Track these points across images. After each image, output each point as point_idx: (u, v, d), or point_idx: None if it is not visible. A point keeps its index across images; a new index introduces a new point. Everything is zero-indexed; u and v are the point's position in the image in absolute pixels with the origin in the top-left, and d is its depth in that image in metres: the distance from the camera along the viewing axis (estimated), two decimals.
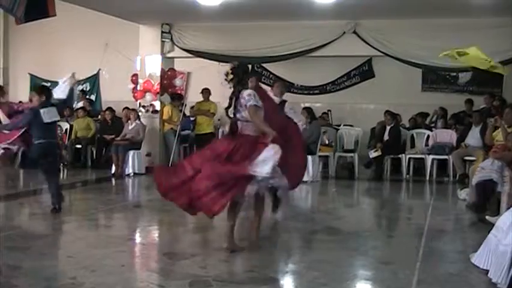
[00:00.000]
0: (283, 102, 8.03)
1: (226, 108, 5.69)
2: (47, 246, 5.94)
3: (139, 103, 13.07)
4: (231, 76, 5.65)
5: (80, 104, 15.03)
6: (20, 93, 16.27)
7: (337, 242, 6.28)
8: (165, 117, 12.83)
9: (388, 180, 11.86)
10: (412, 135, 12.49)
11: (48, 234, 6.66)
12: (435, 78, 14.75)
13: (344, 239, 6.41)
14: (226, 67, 5.78)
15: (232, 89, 5.67)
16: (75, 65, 15.98)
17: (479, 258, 5.01)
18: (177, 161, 5.61)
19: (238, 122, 5.57)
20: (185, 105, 13.11)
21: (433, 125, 13.31)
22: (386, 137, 12.01)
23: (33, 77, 16.84)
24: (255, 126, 5.52)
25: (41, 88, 8.00)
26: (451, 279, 4.89)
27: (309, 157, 10.90)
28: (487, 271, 4.75)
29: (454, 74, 14.30)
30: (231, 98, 5.63)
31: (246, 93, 5.55)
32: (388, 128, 12.05)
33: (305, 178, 10.75)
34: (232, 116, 5.62)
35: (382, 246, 6.31)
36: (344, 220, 7.76)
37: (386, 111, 12.33)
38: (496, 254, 4.67)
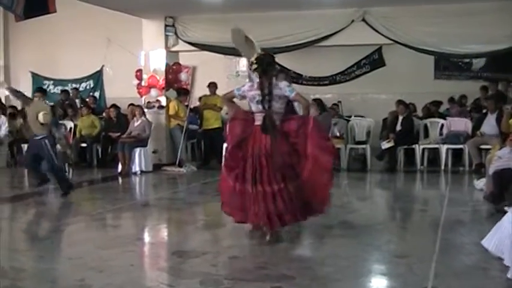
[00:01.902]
0: None
1: (260, 101, 5.72)
2: (53, 248, 5.96)
3: (145, 99, 13.09)
4: (255, 66, 5.73)
5: (77, 101, 15.04)
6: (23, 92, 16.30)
7: (351, 236, 6.26)
8: (171, 112, 12.83)
9: (402, 171, 11.84)
10: (426, 125, 12.45)
11: (54, 236, 6.68)
12: (448, 65, 14.67)
13: (358, 233, 6.40)
14: (240, 60, 5.89)
15: (259, 80, 5.77)
16: (77, 62, 16.00)
17: (488, 241, 4.96)
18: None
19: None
20: (190, 99, 13.08)
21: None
22: (399, 127, 11.98)
23: (34, 75, 16.89)
24: (305, 105, 5.87)
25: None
26: (469, 271, 4.87)
27: None
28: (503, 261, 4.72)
29: (468, 60, 14.22)
30: (261, 89, 5.69)
31: (283, 84, 5.83)
32: (400, 117, 12.01)
33: None
34: (266, 107, 5.69)
35: (397, 239, 6.30)
36: (357, 214, 7.74)
37: (399, 101, 12.29)
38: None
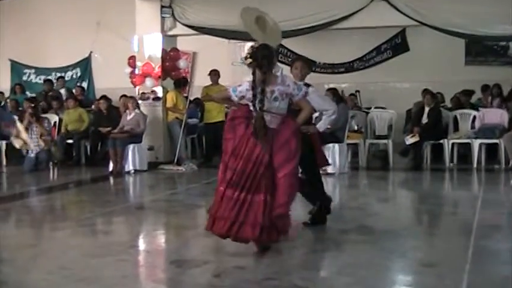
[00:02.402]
0: (307, 86, 7.92)
1: (252, 100, 5.63)
2: (36, 257, 5.95)
3: (139, 90, 13.10)
4: (249, 60, 5.64)
5: (63, 92, 15.07)
6: (1, 82, 16.41)
7: (371, 242, 6.25)
8: (168, 105, 12.84)
9: (429, 169, 11.83)
10: (456, 117, 12.43)
11: (38, 243, 6.69)
12: (481, 49, 14.63)
13: (379, 239, 6.38)
14: (246, 45, 5.77)
15: (252, 76, 5.64)
16: (62, 48, 16.06)
17: None
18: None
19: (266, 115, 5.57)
20: (190, 89, 13.09)
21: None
22: (425, 119, 11.97)
23: (14, 64, 16.96)
24: (304, 117, 5.79)
25: None
26: (506, 283, 4.85)
27: (336, 145, 10.94)
28: None
29: (504, 43, 14.17)
30: (253, 87, 5.58)
31: (290, 80, 5.71)
32: (427, 109, 11.99)
33: (331, 170, 10.84)
34: (258, 108, 5.56)
35: (424, 246, 6.28)
36: (378, 217, 7.72)
37: (425, 90, 12.27)
38: None
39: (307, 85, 8.03)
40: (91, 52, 16.14)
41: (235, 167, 5.56)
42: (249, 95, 5.66)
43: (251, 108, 5.68)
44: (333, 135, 10.99)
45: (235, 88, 5.85)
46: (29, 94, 15.84)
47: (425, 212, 8.38)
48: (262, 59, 5.61)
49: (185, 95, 13.02)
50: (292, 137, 5.63)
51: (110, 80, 14.83)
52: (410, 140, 11.77)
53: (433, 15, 11.78)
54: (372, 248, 5.97)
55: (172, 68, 13.03)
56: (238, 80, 5.79)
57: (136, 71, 12.97)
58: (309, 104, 5.87)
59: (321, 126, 6.66)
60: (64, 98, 14.65)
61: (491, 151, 11.88)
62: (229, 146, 5.70)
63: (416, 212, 8.63)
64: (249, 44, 6.02)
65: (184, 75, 13.26)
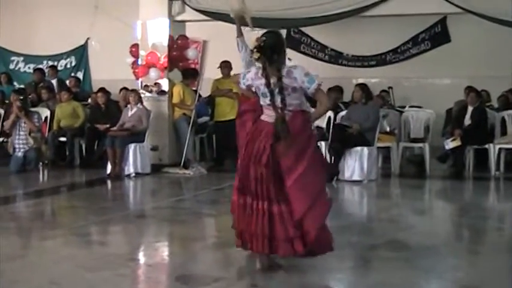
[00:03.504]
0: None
1: (267, 95, 5.59)
2: (24, 270, 5.99)
3: (142, 82, 13.14)
4: (257, 54, 5.57)
5: (54, 83, 15.12)
6: None
7: (404, 260, 6.23)
8: (175, 100, 12.86)
9: (471, 178, 11.79)
10: (503, 118, 12.37)
11: (25, 254, 6.72)
12: None
13: (413, 256, 6.37)
14: (252, 38, 5.68)
15: (262, 71, 5.58)
16: (55, 34, 16.13)
17: None
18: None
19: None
20: (199, 82, 13.10)
21: None
22: (467, 121, 11.93)
23: (0, 50, 17.04)
24: (321, 112, 5.80)
25: None
26: None
27: (365, 149, 10.93)
28: None
29: None
30: (267, 82, 5.52)
31: (298, 72, 5.52)
32: (470, 109, 11.96)
33: (359, 177, 10.83)
34: (280, 109, 5.51)
35: (465, 265, 6.26)
36: (412, 231, 7.70)
37: (468, 87, 12.22)
38: None
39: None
40: (88, 38, 16.21)
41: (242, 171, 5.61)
42: (256, 84, 5.65)
43: (261, 101, 5.67)
44: (362, 137, 10.98)
45: (245, 75, 5.84)
46: (16, 85, 15.93)
47: (467, 227, 8.34)
48: (273, 53, 5.53)
49: (194, 88, 13.04)
50: (302, 132, 5.55)
51: (109, 71, 14.90)
52: (450, 144, 11.73)
53: (479, 1, 11.74)
54: (405, 267, 5.96)
55: (180, 58, 13.06)
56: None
57: (139, 61, 13.01)
58: (325, 97, 5.79)
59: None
60: (56, 90, 14.69)
61: None
62: (242, 145, 5.73)
63: (456, 226, 8.59)
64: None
65: (193, 66, 13.27)
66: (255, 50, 5.57)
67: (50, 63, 16.47)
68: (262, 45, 5.54)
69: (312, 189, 5.47)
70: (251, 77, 5.70)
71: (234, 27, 12.96)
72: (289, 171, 5.42)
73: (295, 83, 5.49)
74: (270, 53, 5.53)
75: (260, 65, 5.64)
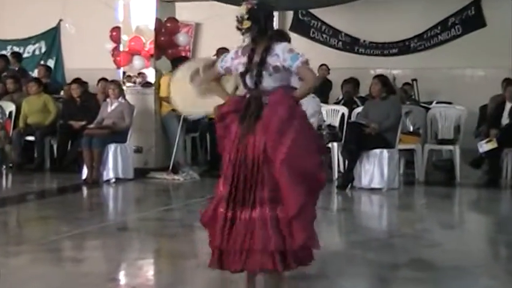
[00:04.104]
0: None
1: (243, 74, 5.60)
2: None
3: (124, 72, 13.16)
4: (247, 23, 5.54)
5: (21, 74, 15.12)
6: None
7: (430, 281, 6.25)
8: (163, 93, 12.85)
9: (509, 186, 11.78)
10: None
11: None
12: None
13: (440, 277, 6.37)
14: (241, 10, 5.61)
15: (249, 43, 5.58)
16: (22, 15, 16.13)
17: None
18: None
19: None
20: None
21: None
22: (505, 119, 11.94)
23: None
24: (305, 90, 5.50)
25: None
26: None
27: (384, 151, 10.93)
28: None
29: None
30: (250, 57, 5.52)
31: (280, 48, 5.46)
32: (508, 106, 11.97)
33: (378, 184, 10.83)
34: (253, 86, 5.52)
35: (502, 287, 6.25)
36: (439, 248, 7.71)
37: (506, 80, 12.23)
38: None
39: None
40: (60, 20, 16.23)
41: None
42: (236, 64, 5.62)
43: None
44: (381, 138, 10.98)
45: (225, 55, 5.82)
46: None
47: (504, 244, 8.34)
48: (267, 22, 5.54)
49: None
50: (283, 107, 5.39)
51: (85, 58, 14.93)
52: (485, 146, 11.72)
53: None
54: None
55: (168, 43, 13.08)
56: None
57: (121, 47, 13.03)
58: (310, 73, 5.56)
59: None
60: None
61: None
62: (226, 151, 5.67)
63: (491, 243, 8.61)
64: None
65: (184, 53, 13.30)
66: (245, 17, 5.52)
67: (15, 49, 16.39)
68: (256, 8, 5.51)
69: (303, 170, 5.35)
70: (231, 56, 5.71)
71: (232, 7, 13.04)
72: (275, 150, 5.30)
73: (277, 61, 5.41)
74: (264, 20, 5.52)
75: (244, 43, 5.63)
